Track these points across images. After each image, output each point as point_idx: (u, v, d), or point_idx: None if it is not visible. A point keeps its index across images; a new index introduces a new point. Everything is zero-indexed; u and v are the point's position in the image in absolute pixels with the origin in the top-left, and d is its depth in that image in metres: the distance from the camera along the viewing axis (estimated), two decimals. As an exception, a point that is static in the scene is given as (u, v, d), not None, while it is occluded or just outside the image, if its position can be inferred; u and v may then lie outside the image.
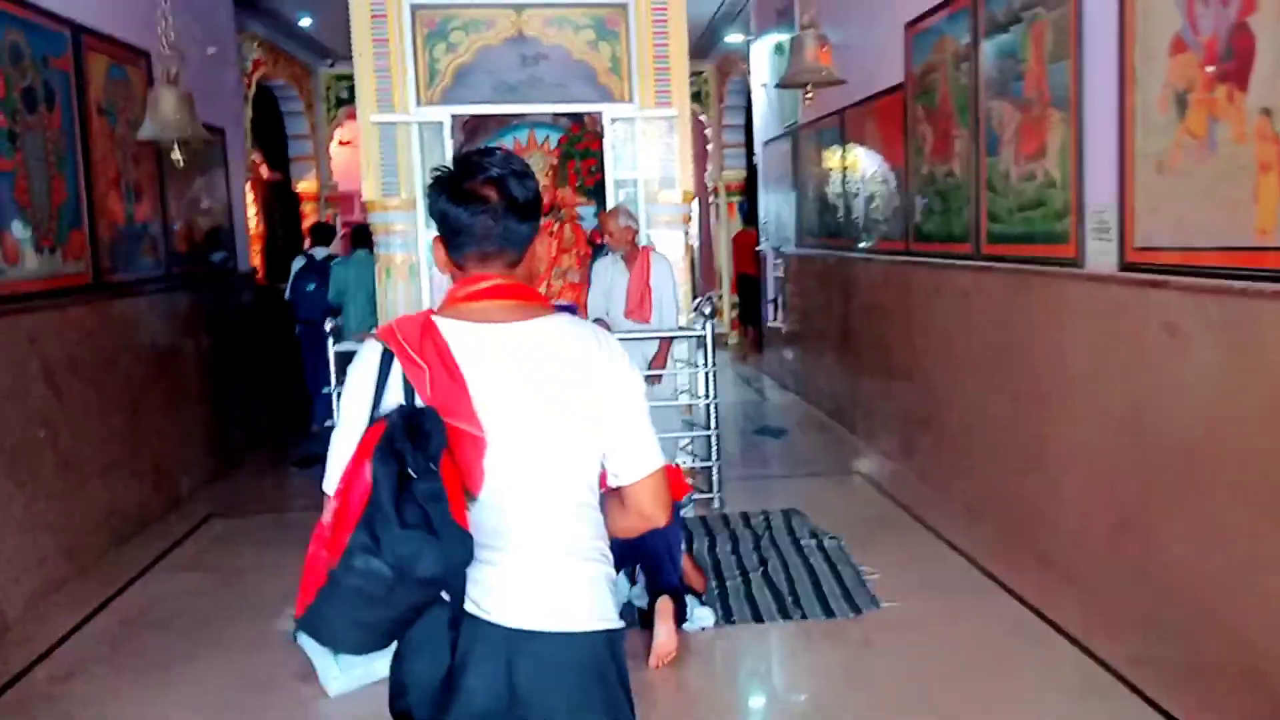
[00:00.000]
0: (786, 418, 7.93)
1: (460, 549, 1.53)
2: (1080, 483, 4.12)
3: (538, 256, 1.81)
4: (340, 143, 14.02)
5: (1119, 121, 3.74)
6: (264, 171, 12.65)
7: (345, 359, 5.57)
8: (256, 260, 11.95)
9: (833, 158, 7.40)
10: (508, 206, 1.69)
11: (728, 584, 4.28)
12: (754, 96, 10.04)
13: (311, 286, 7.77)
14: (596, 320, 5.46)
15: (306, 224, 13.52)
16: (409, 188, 5.94)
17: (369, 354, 1.67)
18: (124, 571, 4.78)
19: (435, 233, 1.77)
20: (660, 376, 5.50)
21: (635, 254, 5.54)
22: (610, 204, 6.09)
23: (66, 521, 4.68)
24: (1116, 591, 3.83)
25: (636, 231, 5.57)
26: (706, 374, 5.48)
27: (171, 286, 6.18)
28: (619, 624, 1.79)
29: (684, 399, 5.88)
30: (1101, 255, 3.92)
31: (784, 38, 8.55)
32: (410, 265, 6.01)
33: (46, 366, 4.58)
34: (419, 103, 5.91)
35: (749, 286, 11.30)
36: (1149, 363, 3.62)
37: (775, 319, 9.61)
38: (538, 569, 1.70)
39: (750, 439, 7.32)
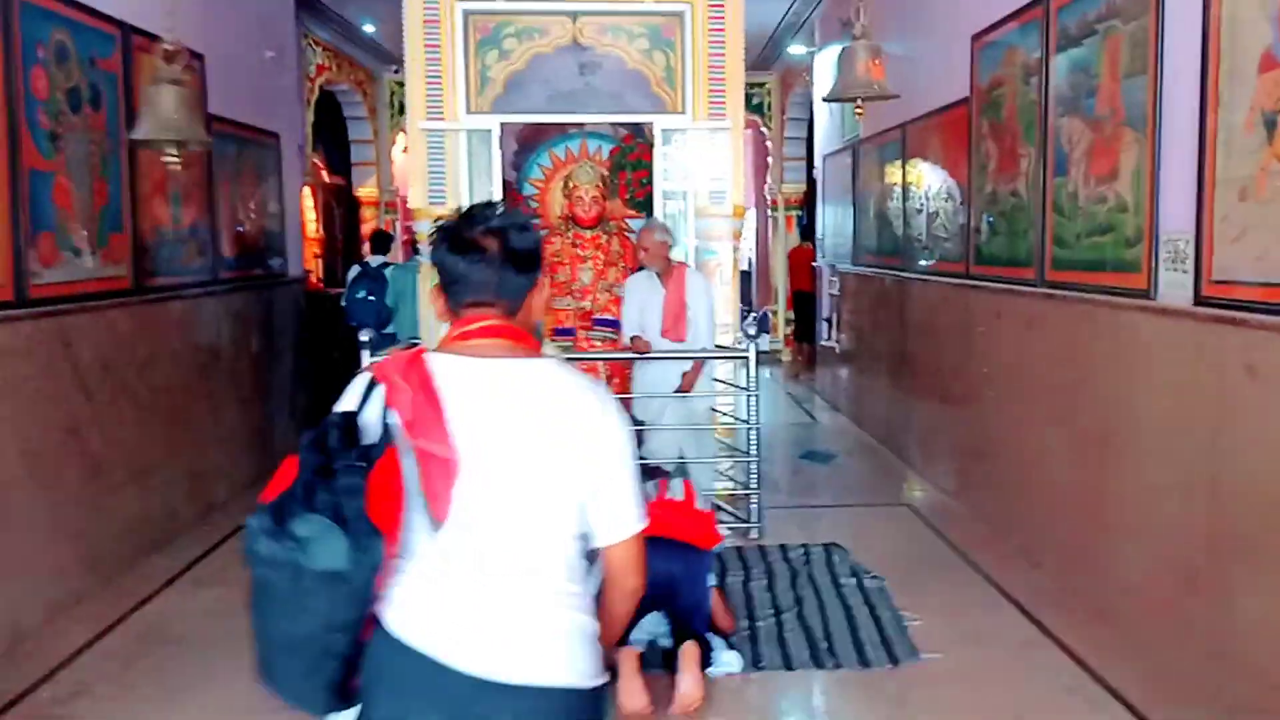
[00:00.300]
0: (836, 442, 7.65)
1: (368, 546, 1.50)
2: (1145, 533, 3.82)
3: (534, 309, 1.82)
4: (403, 150, 14.05)
5: (1199, 143, 3.44)
6: (325, 176, 12.74)
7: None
8: (315, 266, 12.05)
9: (893, 173, 7.13)
10: (506, 257, 1.72)
11: (759, 625, 4.05)
12: (816, 109, 9.79)
13: (362, 293, 7.82)
14: (634, 337, 5.27)
15: (366, 229, 13.61)
16: (456, 196, 5.82)
17: (357, 382, 1.67)
18: (147, 584, 4.71)
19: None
20: (687, 396, 5.30)
21: (670, 270, 5.34)
22: (659, 215, 5.92)
23: (92, 530, 4.63)
24: (1182, 657, 3.52)
25: (672, 247, 5.38)
26: (749, 398, 5.26)
27: (217, 291, 6.15)
28: (601, 680, 1.69)
29: (725, 422, 5.67)
30: (1175, 287, 3.62)
31: (848, 49, 8.31)
32: (453, 275, 5.89)
33: (78, 370, 4.53)
34: (469, 110, 5.81)
35: (804, 303, 11.03)
36: (1226, 407, 3.32)
37: (829, 338, 9.33)
38: (508, 607, 1.61)
39: (797, 464, 7.05)
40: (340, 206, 13.54)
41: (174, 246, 5.57)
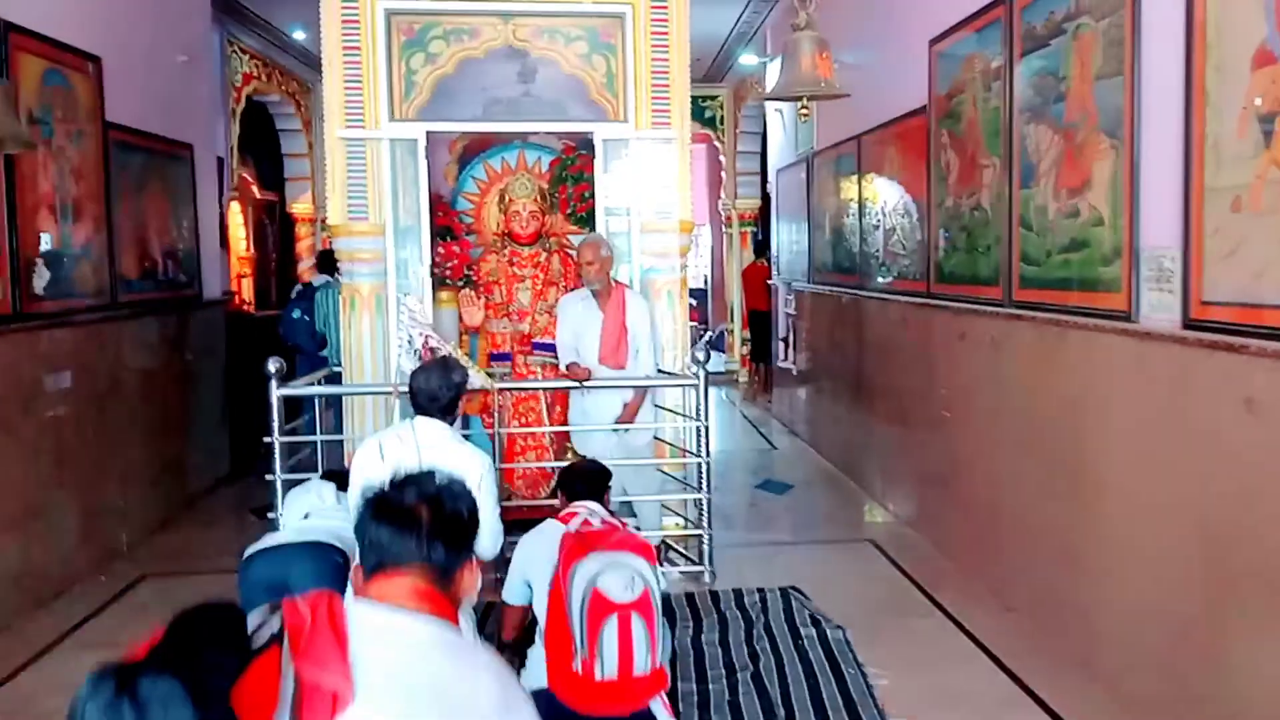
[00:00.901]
0: (794, 470, 7.27)
1: None
2: (1130, 578, 3.46)
3: (464, 588, 1.67)
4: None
5: (1184, 149, 3.11)
6: (256, 191, 12.18)
7: (291, 405, 4.98)
8: (242, 286, 11.47)
9: (848, 187, 6.80)
10: (436, 531, 1.61)
11: (710, 687, 3.63)
12: (769, 121, 9.47)
13: (297, 313, 7.48)
14: (570, 365, 4.85)
15: (301, 247, 13.05)
16: (378, 211, 5.38)
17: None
18: (22, 650, 4.17)
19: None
20: (629, 428, 4.90)
21: (609, 291, 4.94)
22: (600, 230, 5.51)
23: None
24: (1178, 717, 3.16)
25: (614, 263, 4.99)
26: (700, 429, 4.85)
27: (117, 316, 5.63)
28: None
29: (672, 454, 5.26)
30: (1160, 309, 3.28)
31: (800, 59, 7.99)
32: (378, 296, 5.44)
33: (-61, 408, 4.02)
34: (392, 117, 5.36)
35: (761, 322, 10.68)
36: (1221, 445, 2.97)
37: (786, 358, 8.98)
38: None
39: (753, 494, 6.66)
40: (274, 223, 12.97)
41: (64, 267, 5.05)
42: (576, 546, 2.87)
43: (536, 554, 3.06)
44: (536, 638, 3.08)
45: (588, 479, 3.38)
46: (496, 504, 3.26)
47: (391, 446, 3.25)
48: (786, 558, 5.25)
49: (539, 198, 5.73)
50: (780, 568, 5.03)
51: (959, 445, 4.92)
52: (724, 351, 12.72)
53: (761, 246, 11.59)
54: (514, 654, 3.28)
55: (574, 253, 5.95)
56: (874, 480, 6.34)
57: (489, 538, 3.17)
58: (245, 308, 11.02)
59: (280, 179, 12.43)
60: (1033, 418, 4.14)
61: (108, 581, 5.10)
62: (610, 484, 3.44)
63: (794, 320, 8.66)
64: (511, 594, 3.18)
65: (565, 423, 5.70)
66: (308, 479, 3.98)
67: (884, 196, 6.07)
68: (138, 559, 5.50)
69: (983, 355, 4.60)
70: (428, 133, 5.40)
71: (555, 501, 5.58)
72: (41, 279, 4.81)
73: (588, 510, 3.13)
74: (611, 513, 3.31)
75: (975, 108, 4.63)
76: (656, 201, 5.53)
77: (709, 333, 13.42)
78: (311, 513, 3.56)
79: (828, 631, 4.09)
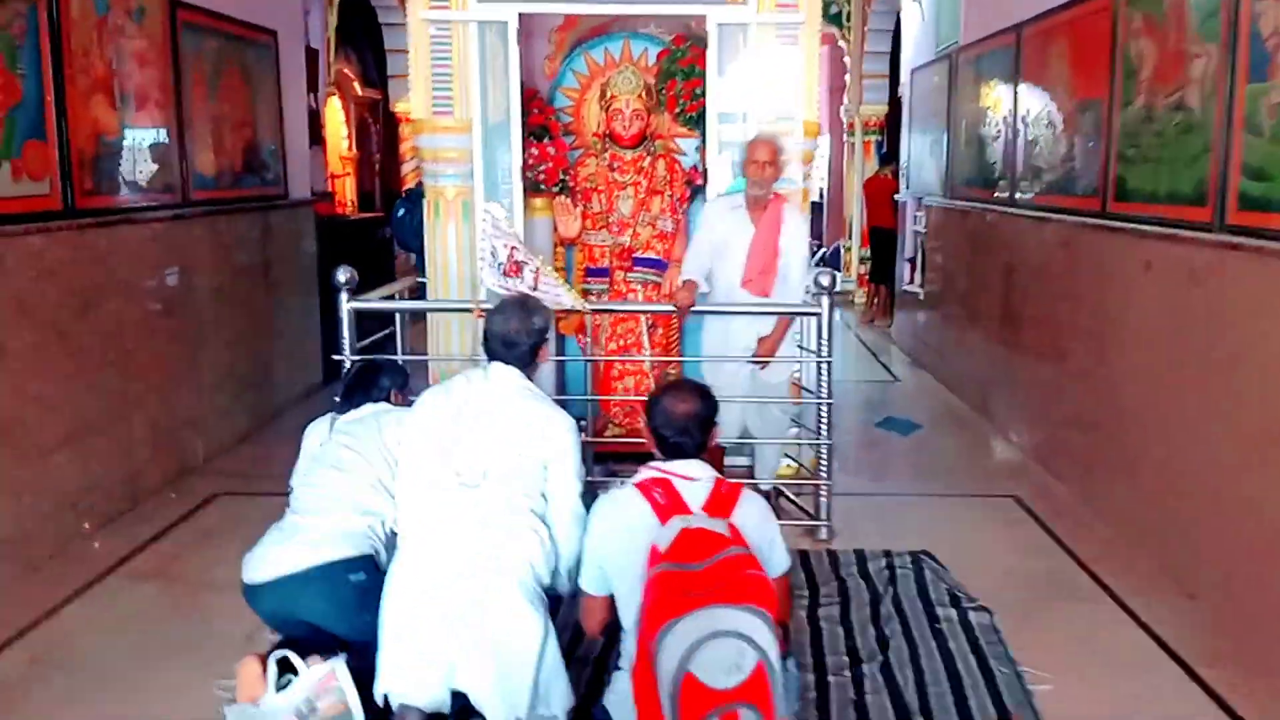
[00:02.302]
0: (919, 407, 6.53)
1: None
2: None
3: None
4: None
5: None
6: (358, 88, 11.72)
7: (364, 320, 4.48)
8: (343, 188, 11.11)
9: (1002, 87, 5.88)
10: None
11: (830, 679, 3.04)
12: (904, 15, 8.46)
13: (401, 212, 7.46)
14: (685, 281, 4.21)
15: (405, 148, 12.61)
16: (465, 105, 4.78)
17: None
18: (70, 578, 3.85)
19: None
20: (766, 363, 4.26)
21: (767, 202, 4.24)
22: (713, 134, 4.81)
23: (10, 508, 3.80)
24: None
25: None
26: (821, 365, 4.19)
27: (189, 214, 5.21)
28: None
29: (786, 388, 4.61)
30: None
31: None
32: (464, 202, 4.88)
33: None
34: (481, -4, 4.72)
35: (882, 241, 9.80)
36: None
37: (912, 282, 8.15)
38: None
39: (872, 433, 5.97)
40: (377, 122, 12.54)
41: (125, 160, 4.62)
42: (667, 593, 2.17)
43: (614, 545, 2.44)
44: (623, 663, 2.51)
45: (692, 425, 2.51)
46: (580, 481, 2.71)
47: (459, 388, 2.72)
48: (915, 513, 4.59)
49: (644, 94, 5.04)
50: (908, 525, 4.38)
51: (1133, 395, 4.15)
52: (840, 270, 11.87)
53: (887, 158, 10.63)
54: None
55: (684, 158, 5.29)
56: (1017, 425, 5.58)
57: (570, 526, 2.65)
58: (344, 209, 10.68)
59: (384, 76, 11.93)
60: (1241, 371, 3.35)
61: (177, 499, 4.78)
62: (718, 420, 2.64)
63: (923, 239, 7.81)
64: (590, 581, 2.52)
65: (667, 345, 5.11)
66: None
67: (1047, 98, 5.17)
68: (212, 474, 5.19)
69: (1175, 290, 3.78)
70: (520, 14, 4.74)
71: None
72: (98, 172, 4.38)
73: (686, 484, 2.47)
74: (719, 469, 2.63)
75: (1186, -17, 3.73)
76: (778, 100, 4.79)
77: (824, 249, 12.57)
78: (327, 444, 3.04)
79: (971, 615, 3.45)
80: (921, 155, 7.92)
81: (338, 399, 3.21)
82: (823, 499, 4.26)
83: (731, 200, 4.38)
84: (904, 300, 8.58)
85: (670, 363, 5.07)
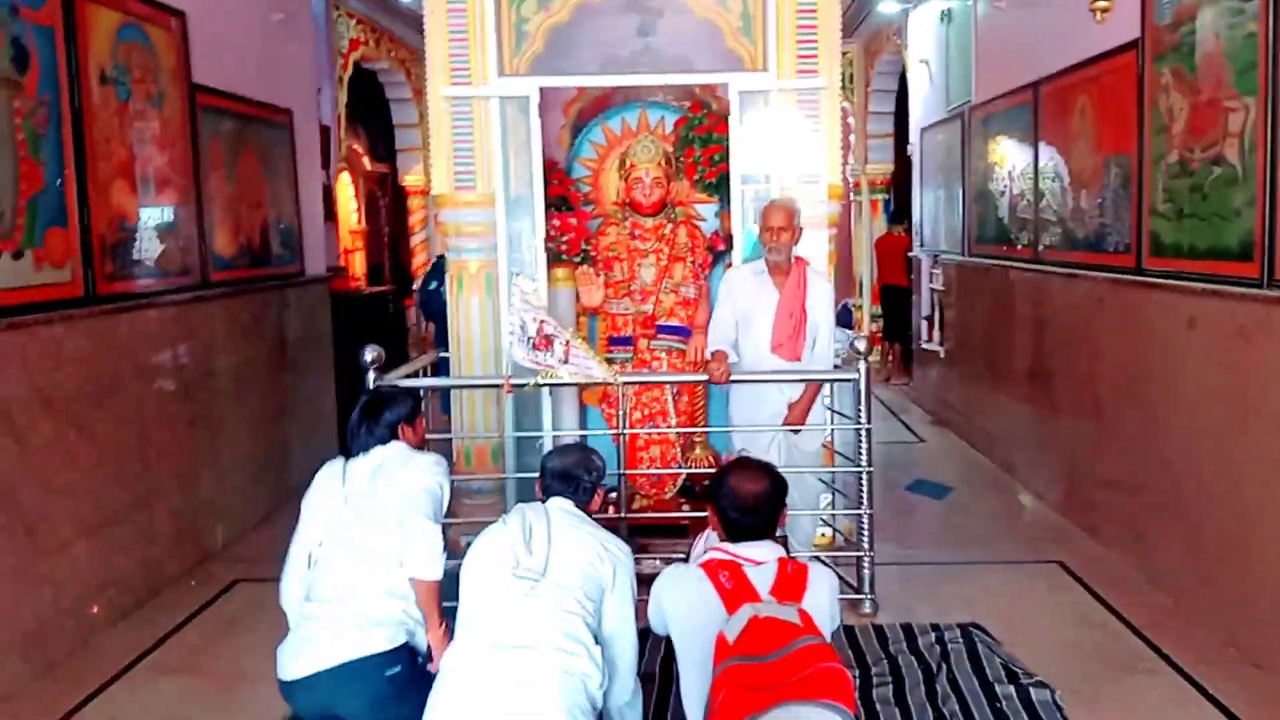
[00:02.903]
0: (948, 469, 6.40)
1: None
2: None
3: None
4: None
5: None
6: (367, 163, 11.80)
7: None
8: (353, 262, 11.12)
9: (1019, 145, 5.86)
10: None
11: (892, 770, 2.90)
12: (910, 76, 8.51)
13: (434, 284, 7.37)
14: (714, 353, 4.14)
15: (414, 220, 12.66)
16: (487, 179, 4.76)
17: None
18: (94, 674, 3.72)
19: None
20: (799, 431, 4.16)
21: (789, 267, 4.19)
22: (735, 198, 4.78)
23: (30, 603, 3.68)
24: None
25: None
26: (861, 433, 4.09)
27: (209, 296, 5.17)
28: None
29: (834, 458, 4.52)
30: None
31: (952, 1, 7.05)
32: (487, 275, 4.84)
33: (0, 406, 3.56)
34: (501, 73, 4.72)
35: (895, 298, 9.75)
36: None
37: (930, 340, 8.08)
38: None
39: (903, 498, 5.85)
40: (386, 196, 12.60)
41: (146, 244, 4.58)
42: (739, 689, 2.05)
43: (677, 619, 2.34)
44: None
45: (761, 507, 2.41)
46: (634, 606, 2.62)
47: (515, 517, 2.63)
48: (958, 582, 4.45)
49: (664, 162, 5.01)
50: (952, 595, 4.25)
51: (1184, 455, 4.04)
52: (851, 329, 11.80)
53: (896, 216, 10.63)
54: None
55: (703, 224, 5.26)
56: (1052, 486, 5.46)
57: (628, 652, 2.57)
58: (355, 284, 10.68)
59: (392, 150, 12.01)
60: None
61: (197, 587, 4.66)
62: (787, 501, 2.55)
63: (941, 297, 7.75)
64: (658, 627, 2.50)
65: (692, 413, 5.03)
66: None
67: (1070, 154, 5.14)
68: (232, 560, 5.06)
69: (1223, 346, 3.70)
70: (541, 89, 4.74)
71: (684, 509, 5.08)
72: (119, 257, 4.34)
73: (754, 568, 2.36)
74: (789, 554, 2.50)
75: (1216, 37, 3.70)
76: (801, 163, 4.76)
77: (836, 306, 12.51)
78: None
79: (1032, 692, 3.30)
80: (935, 212, 7.90)
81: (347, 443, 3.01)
82: (865, 570, 4.13)
83: (753, 266, 4.34)
84: (922, 358, 8.50)
85: (698, 432, 4.98)
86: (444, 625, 2.66)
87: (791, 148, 4.73)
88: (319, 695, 2.62)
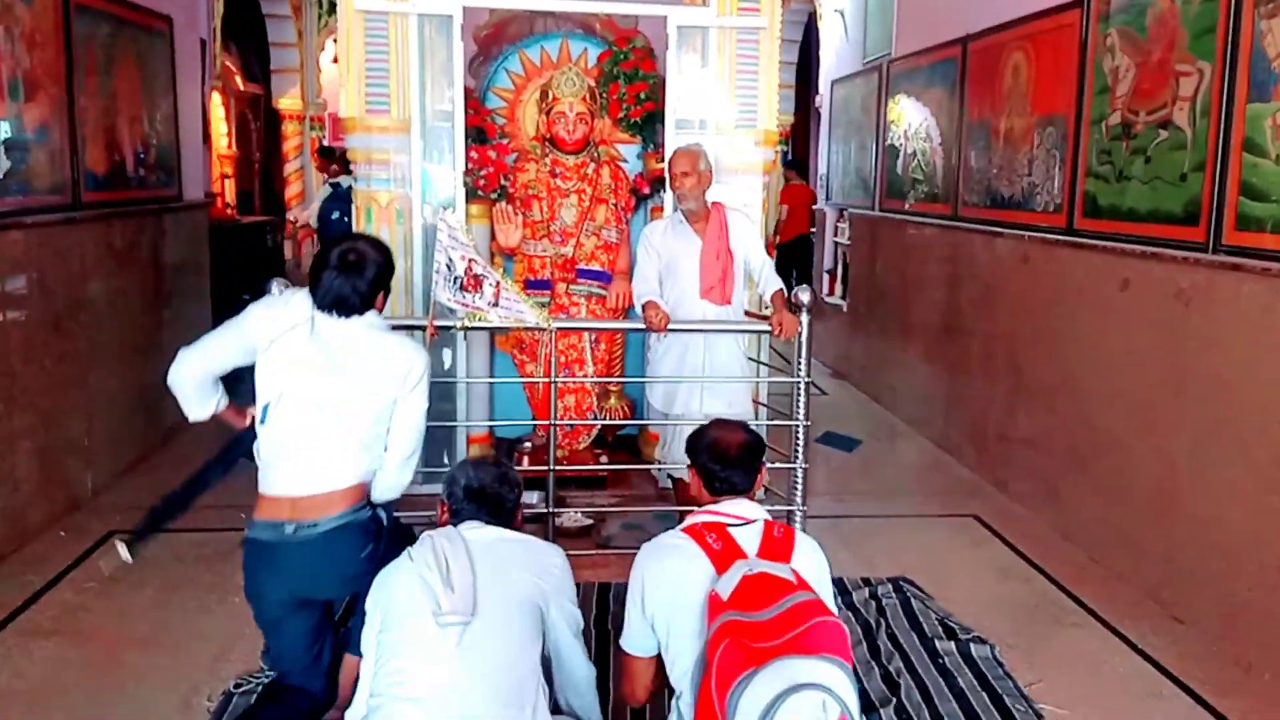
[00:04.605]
0: (854, 422, 6.42)
1: None
2: None
3: None
4: (333, 59, 12.39)
5: None
6: (240, 83, 11.00)
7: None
8: (225, 189, 10.39)
9: (944, 99, 5.83)
10: None
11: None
12: (821, 26, 8.41)
13: (336, 214, 7.30)
14: (647, 304, 3.94)
15: (288, 146, 11.95)
16: (403, 103, 4.40)
17: None
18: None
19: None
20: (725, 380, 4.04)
21: (706, 212, 4.02)
22: (671, 142, 4.56)
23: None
24: None
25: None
26: (798, 387, 3.99)
27: (80, 218, 4.64)
28: None
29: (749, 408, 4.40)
30: None
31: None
32: (397, 208, 4.50)
33: None
34: (423, -13, 4.35)
35: (798, 249, 9.74)
36: None
37: (832, 294, 8.09)
38: None
39: (814, 450, 5.82)
40: (258, 120, 11.80)
41: (9, 157, 4.05)
42: (736, 645, 1.92)
43: (665, 598, 2.15)
44: None
45: (744, 458, 2.29)
46: (578, 613, 2.42)
47: (426, 557, 2.18)
48: (880, 535, 4.44)
49: (588, 97, 4.73)
50: (876, 549, 4.24)
51: (1104, 415, 4.10)
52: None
53: (793, 165, 10.62)
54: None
55: (626, 165, 5.02)
56: (962, 443, 5.52)
57: (581, 669, 2.41)
58: (230, 213, 9.99)
59: (266, 71, 11.25)
60: (1239, 397, 3.31)
61: (67, 539, 4.23)
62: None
63: (846, 251, 7.75)
64: (635, 640, 2.24)
65: (609, 361, 4.85)
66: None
67: (998, 111, 5.12)
68: (104, 508, 4.62)
69: (1159, 311, 3.74)
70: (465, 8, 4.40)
71: (602, 460, 4.91)
72: (-19, 170, 3.82)
73: (742, 525, 2.23)
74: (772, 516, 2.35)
75: (1171, 0, 3.68)
76: (737, 107, 4.59)
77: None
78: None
79: (972, 647, 3.30)
80: (844, 165, 7.87)
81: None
82: (797, 524, 4.05)
83: (671, 219, 4.16)
84: (823, 311, 8.51)
85: (606, 373, 4.81)
86: None
87: (728, 90, 4.54)
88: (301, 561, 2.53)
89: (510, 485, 2.39)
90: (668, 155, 4.59)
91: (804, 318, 3.90)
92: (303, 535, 2.52)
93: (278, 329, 2.59)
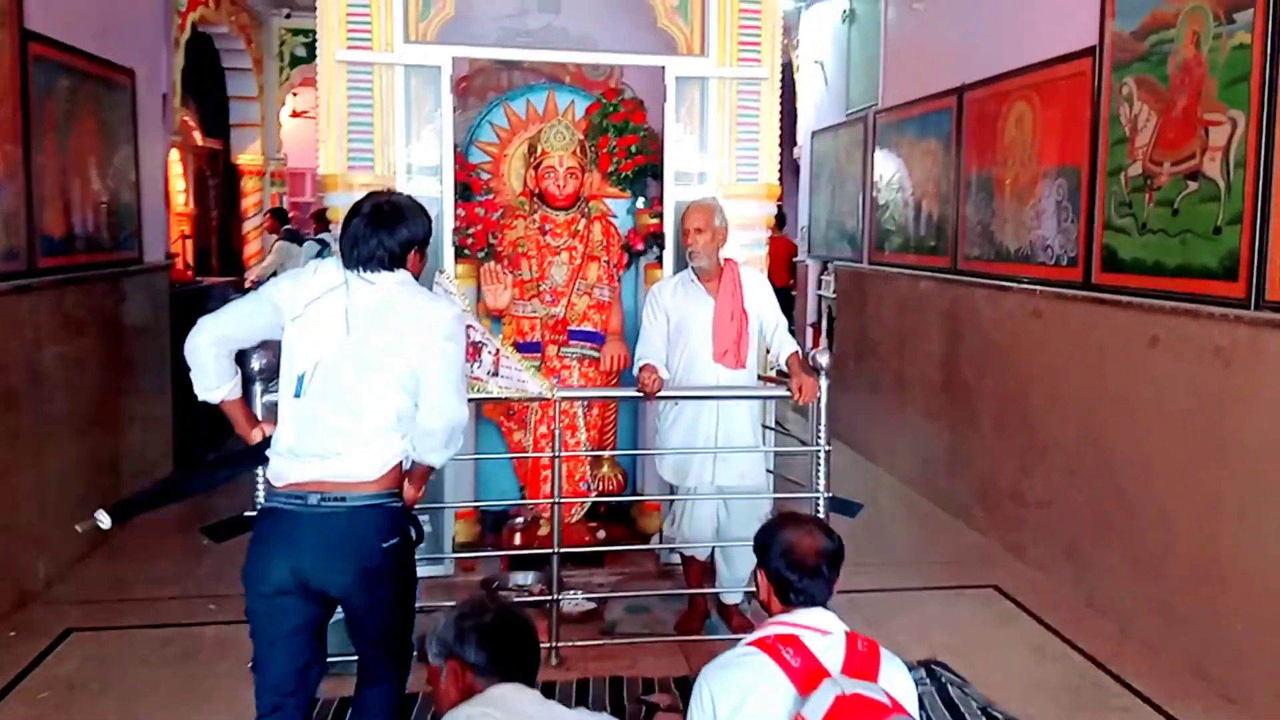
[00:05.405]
0: (852, 486, 6.12)
1: None
2: None
3: None
4: (293, 113, 12.15)
5: None
6: (198, 138, 10.68)
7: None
8: (183, 249, 10.02)
9: (937, 150, 5.70)
10: None
11: None
12: (799, 77, 8.33)
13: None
14: (644, 366, 3.70)
15: (247, 204, 11.60)
16: (387, 159, 4.15)
17: None
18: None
19: None
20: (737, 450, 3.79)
21: (718, 270, 3.81)
22: (670, 196, 4.36)
23: None
24: None
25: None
26: (817, 455, 3.76)
27: (35, 285, 4.30)
28: None
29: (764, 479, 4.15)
30: None
31: (856, 1, 6.88)
32: (380, 271, 4.21)
33: None
34: (407, 38, 4.12)
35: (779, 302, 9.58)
36: None
37: (816, 347, 7.89)
38: None
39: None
40: (215, 176, 11.46)
41: (-39, 221, 3.73)
42: None
43: (743, 715, 1.90)
44: None
45: (824, 565, 2.08)
46: None
47: None
48: (902, 612, 4.19)
49: (578, 151, 4.52)
50: (900, 628, 3.97)
51: (1134, 478, 3.90)
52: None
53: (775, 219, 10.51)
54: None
55: (617, 220, 4.80)
56: (970, 505, 5.30)
57: None
58: (190, 274, 9.62)
59: (225, 125, 10.94)
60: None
61: (18, 639, 3.84)
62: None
63: (831, 305, 7.59)
64: None
65: (602, 427, 4.58)
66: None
67: (1001, 162, 4.99)
68: (59, 602, 4.24)
69: (1195, 369, 3.56)
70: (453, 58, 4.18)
71: (600, 535, 4.61)
72: (-72, 235, 3.50)
73: (820, 640, 1.96)
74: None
75: (1196, 47, 3.56)
76: (737, 160, 4.40)
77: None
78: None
79: (1022, 739, 3.05)
80: (827, 218, 7.73)
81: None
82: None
83: (680, 277, 3.95)
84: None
85: (601, 442, 4.55)
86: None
87: (729, 143, 4.36)
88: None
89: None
90: (668, 210, 4.41)
91: (823, 381, 3.67)
92: (327, 508, 2.37)
93: (309, 294, 2.47)
